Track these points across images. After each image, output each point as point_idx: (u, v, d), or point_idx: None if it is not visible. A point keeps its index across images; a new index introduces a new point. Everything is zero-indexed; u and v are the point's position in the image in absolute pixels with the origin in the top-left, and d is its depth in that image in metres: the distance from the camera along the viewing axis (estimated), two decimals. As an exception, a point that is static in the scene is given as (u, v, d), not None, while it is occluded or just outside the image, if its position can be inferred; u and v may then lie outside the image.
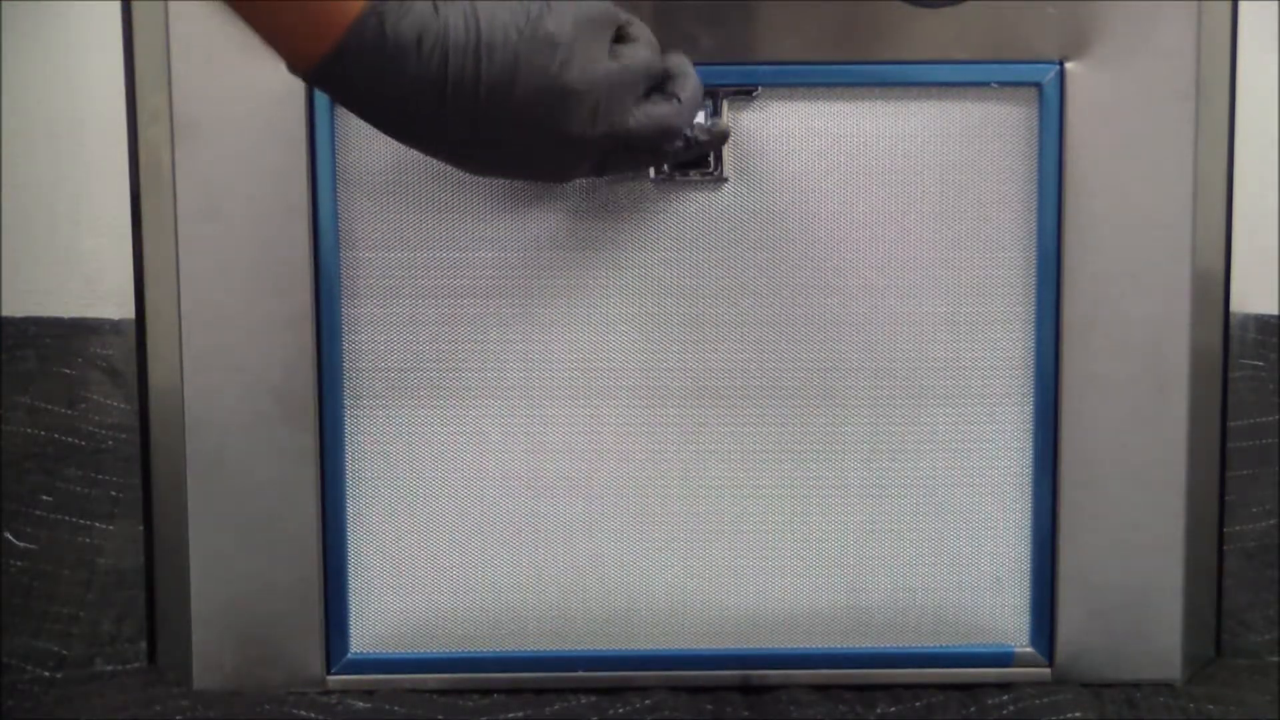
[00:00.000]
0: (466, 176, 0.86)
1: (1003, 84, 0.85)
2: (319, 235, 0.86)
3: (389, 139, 0.76)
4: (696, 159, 0.85)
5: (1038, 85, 0.85)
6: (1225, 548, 0.92)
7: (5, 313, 1.29)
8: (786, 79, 0.85)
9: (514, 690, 0.90)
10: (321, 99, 0.85)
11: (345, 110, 0.77)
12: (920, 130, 0.86)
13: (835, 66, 0.85)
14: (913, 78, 0.85)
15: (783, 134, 0.86)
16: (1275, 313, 1.25)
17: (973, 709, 0.89)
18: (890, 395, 0.88)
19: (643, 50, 0.78)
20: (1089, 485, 0.89)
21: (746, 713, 0.88)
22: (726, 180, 0.86)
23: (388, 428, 0.88)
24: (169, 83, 0.86)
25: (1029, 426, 0.88)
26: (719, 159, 0.86)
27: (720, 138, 0.84)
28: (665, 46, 0.86)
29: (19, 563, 1.02)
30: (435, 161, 0.85)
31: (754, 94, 0.85)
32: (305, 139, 0.86)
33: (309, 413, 0.88)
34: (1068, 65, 0.86)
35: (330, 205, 0.86)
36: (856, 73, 0.85)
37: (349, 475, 0.89)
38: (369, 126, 0.75)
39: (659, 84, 0.79)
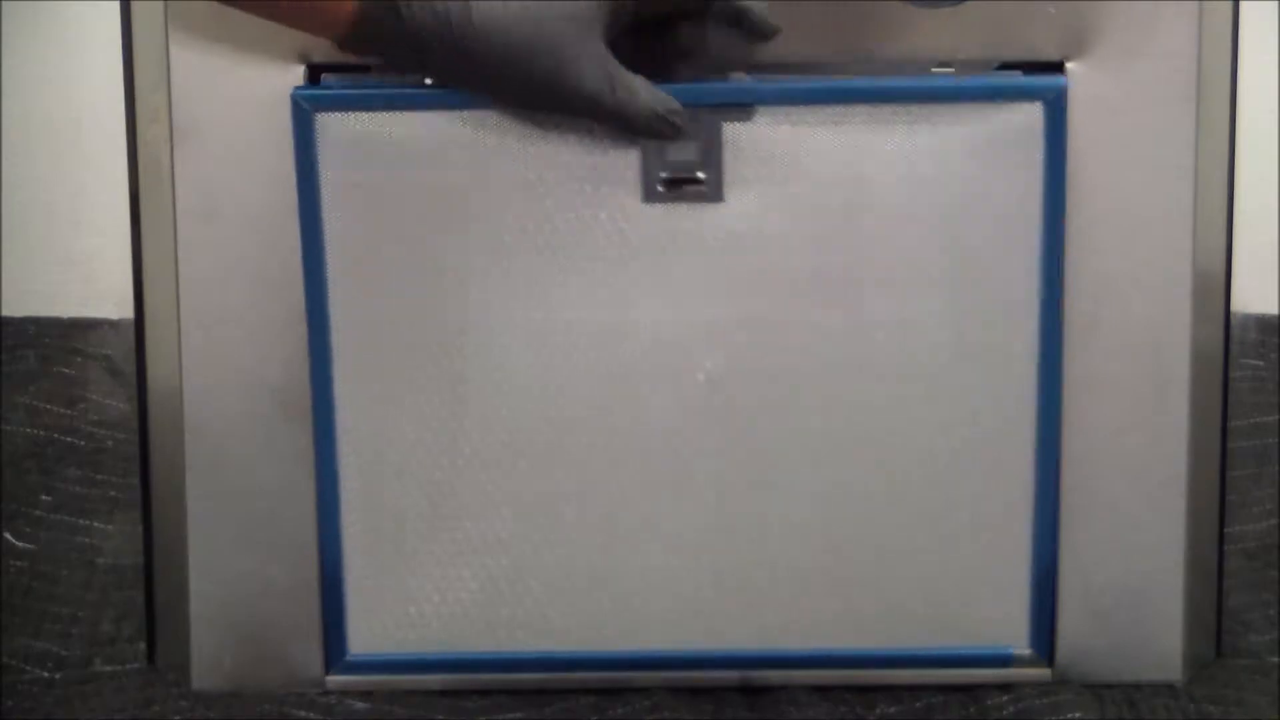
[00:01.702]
0: (461, 177, 0.86)
1: (1009, 99, 0.85)
2: (317, 234, 0.86)
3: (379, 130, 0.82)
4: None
5: (1044, 100, 0.85)
6: (1225, 548, 0.92)
7: (5, 313, 1.30)
8: (787, 97, 0.84)
9: (514, 691, 0.90)
10: (313, 99, 0.85)
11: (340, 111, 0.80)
12: (926, 142, 0.85)
13: (838, 84, 0.85)
14: (918, 94, 0.85)
15: (783, 150, 0.85)
16: (1276, 312, 1.26)
17: (973, 709, 0.89)
18: (890, 397, 0.88)
19: None
20: (1089, 485, 0.89)
21: (747, 713, 0.88)
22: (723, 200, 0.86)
23: (386, 427, 0.88)
24: (169, 83, 0.86)
25: (1030, 426, 0.88)
26: (717, 176, 0.86)
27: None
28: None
29: (19, 563, 1.02)
30: (431, 162, 0.85)
31: (754, 112, 0.85)
32: (300, 138, 0.85)
33: (308, 413, 0.88)
34: (1068, 65, 0.85)
35: (328, 205, 0.86)
36: (860, 90, 0.84)
37: (346, 475, 0.88)
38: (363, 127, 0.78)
39: None
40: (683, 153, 0.84)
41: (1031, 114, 0.85)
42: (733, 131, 0.85)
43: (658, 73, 0.83)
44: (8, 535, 1.04)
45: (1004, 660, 0.90)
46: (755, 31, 0.84)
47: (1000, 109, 0.85)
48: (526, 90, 0.80)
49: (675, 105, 0.82)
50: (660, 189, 0.85)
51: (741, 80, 0.85)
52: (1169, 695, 0.90)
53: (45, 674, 0.92)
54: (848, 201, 0.86)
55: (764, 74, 0.86)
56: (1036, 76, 0.85)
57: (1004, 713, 0.88)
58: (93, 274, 1.31)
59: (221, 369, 0.88)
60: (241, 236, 0.87)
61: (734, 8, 0.83)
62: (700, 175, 0.85)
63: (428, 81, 0.84)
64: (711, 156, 0.85)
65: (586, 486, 0.88)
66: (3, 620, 0.96)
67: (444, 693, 0.90)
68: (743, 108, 0.84)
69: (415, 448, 0.88)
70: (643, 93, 0.81)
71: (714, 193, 0.85)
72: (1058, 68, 0.85)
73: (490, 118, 0.84)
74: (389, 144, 0.85)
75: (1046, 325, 0.87)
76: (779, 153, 0.85)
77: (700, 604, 0.90)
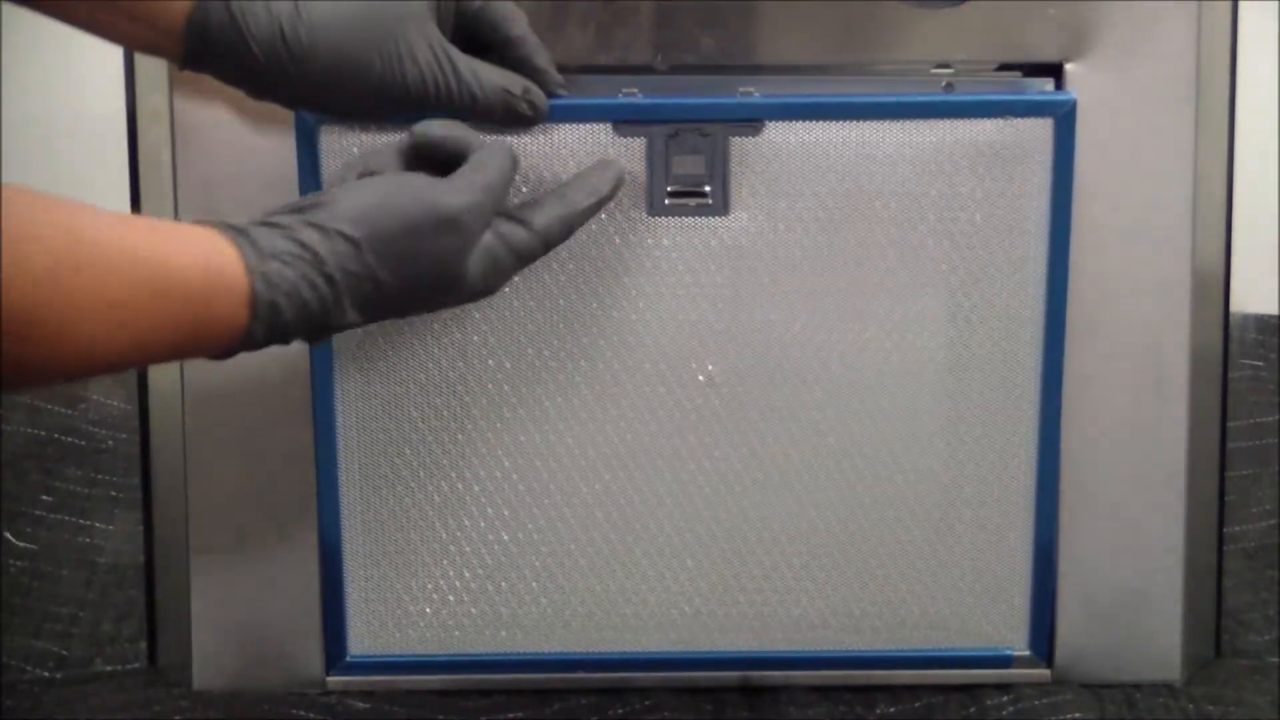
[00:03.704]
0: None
1: (1019, 115, 0.84)
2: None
3: (377, 135, 0.82)
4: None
5: (1054, 116, 0.84)
6: (1225, 548, 0.92)
7: (5, 312, 1.29)
8: (793, 113, 0.84)
9: (514, 691, 0.90)
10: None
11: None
12: (933, 156, 0.85)
13: (845, 100, 0.84)
14: (926, 110, 0.84)
15: (788, 164, 0.85)
16: (1275, 313, 1.25)
17: (972, 709, 0.89)
18: (891, 400, 0.87)
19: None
20: (1089, 485, 0.89)
21: (746, 713, 0.88)
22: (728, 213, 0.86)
23: (386, 428, 0.88)
24: (169, 83, 0.86)
25: (1030, 426, 0.88)
26: (723, 190, 0.85)
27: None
28: (668, 46, 0.86)
29: (19, 563, 1.02)
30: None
31: (761, 127, 0.84)
32: (303, 153, 0.85)
33: (308, 413, 0.88)
34: (1068, 66, 0.85)
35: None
36: (867, 105, 0.84)
37: (346, 475, 0.88)
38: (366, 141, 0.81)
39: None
40: (689, 166, 0.84)
41: (1041, 129, 0.85)
42: (739, 146, 0.84)
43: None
44: (8, 535, 1.04)
45: (1003, 660, 0.90)
46: (541, 81, 0.81)
47: (1009, 124, 0.85)
48: (366, 88, 0.77)
49: (526, 81, 0.80)
50: (666, 202, 0.85)
51: (749, 95, 0.85)
52: (1168, 695, 0.90)
53: (46, 674, 0.92)
54: (853, 214, 0.85)
55: (765, 75, 0.86)
56: (1047, 93, 0.85)
57: (1003, 713, 0.88)
58: (93, 274, 1.31)
59: (222, 369, 0.88)
60: (242, 237, 0.87)
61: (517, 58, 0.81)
62: (706, 188, 0.85)
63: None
64: (717, 170, 0.84)
65: (586, 487, 0.88)
66: (3, 620, 0.96)
67: (444, 693, 0.90)
68: (750, 123, 0.84)
69: (415, 448, 0.88)
70: (490, 75, 0.79)
71: (720, 206, 0.85)
72: (1057, 69, 0.85)
73: (495, 130, 0.84)
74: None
75: (1050, 331, 0.87)
76: (784, 167, 0.85)
77: (700, 604, 0.90)
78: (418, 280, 0.72)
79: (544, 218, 0.77)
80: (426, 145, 0.76)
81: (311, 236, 0.69)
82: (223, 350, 0.70)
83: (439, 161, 0.76)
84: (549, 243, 0.77)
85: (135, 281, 0.64)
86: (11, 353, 0.60)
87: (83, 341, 0.63)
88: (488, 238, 0.74)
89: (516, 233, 0.76)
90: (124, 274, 0.64)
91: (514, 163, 0.76)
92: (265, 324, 0.69)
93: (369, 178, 0.74)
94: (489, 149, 0.75)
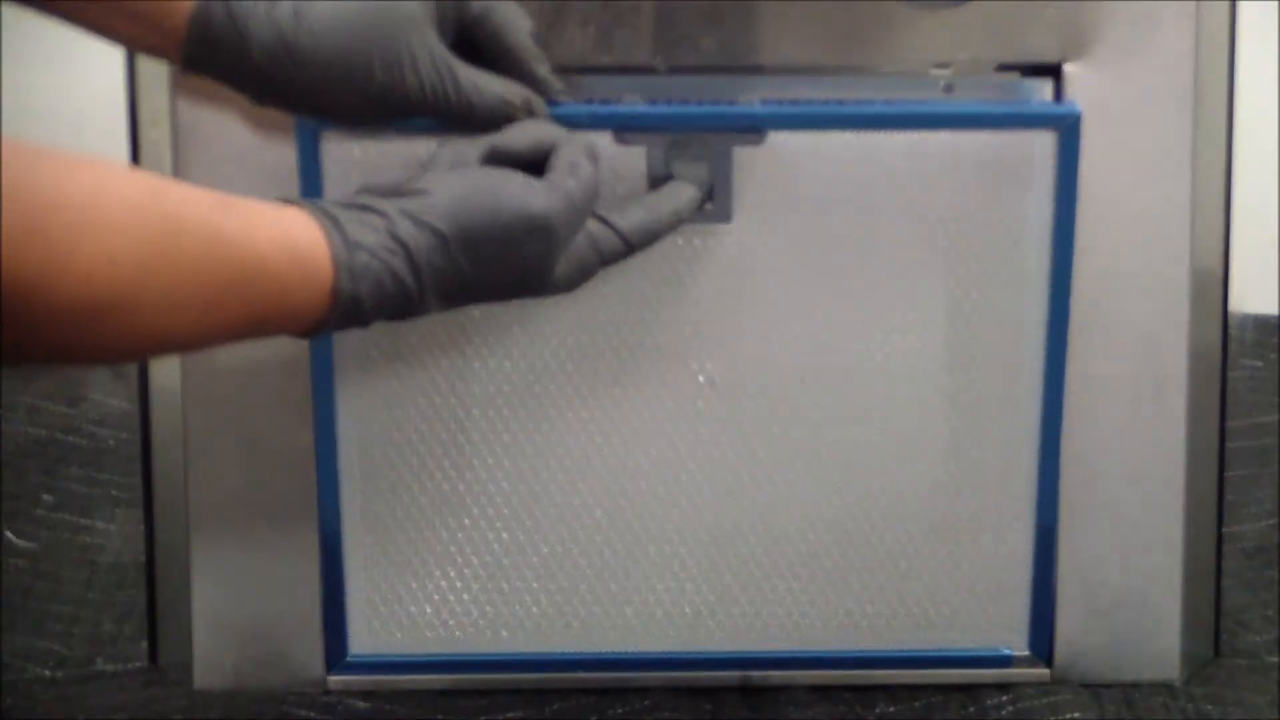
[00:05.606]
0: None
1: (1023, 127, 0.84)
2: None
3: (375, 134, 0.82)
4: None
5: (1058, 129, 0.84)
6: (1224, 548, 0.92)
7: (6, 312, 1.29)
8: (797, 122, 0.83)
9: (514, 691, 0.90)
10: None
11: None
12: (936, 166, 0.84)
13: (848, 110, 0.84)
14: (930, 121, 0.84)
15: (792, 172, 0.84)
16: (1274, 313, 1.26)
17: (971, 709, 0.89)
18: (891, 398, 0.88)
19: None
20: (1089, 485, 0.89)
21: (746, 713, 0.89)
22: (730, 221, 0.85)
23: (386, 428, 0.88)
24: (170, 84, 0.86)
25: (1030, 427, 0.88)
26: (726, 198, 0.85)
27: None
28: (668, 46, 0.86)
29: (20, 562, 1.02)
30: (415, 162, 0.84)
31: (764, 136, 0.84)
32: (304, 161, 0.85)
33: (309, 412, 0.88)
34: (1066, 66, 0.85)
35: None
36: (871, 115, 0.84)
37: (346, 475, 0.88)
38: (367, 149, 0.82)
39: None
40: (691, 174, 0.83)
41: (1045, 140, 0.84)
42: (742, 154, 0.84)
43: None
44: (9, 535, 1.04)
45: (1003, 660, 0.91)
46: (541, 89, 0.81)
47: (1013, 135, 0.84)
48: (365, 94, 0.76)
49: (526, 92, 0.79)
50: None
51: (751, 105, 0.84)
52: (1167, 695, 0.90)
53: (47, 673, 0.92)
54: (855, 218, 0.85)
55: (765, 76, 0.86)
56: (1052, 105, 0.85)
57: (1003, 713, 0.89)
58: (94, 273, 1.31)
59: (221, 368, 0.88)
60: (242, 237, 0.87)
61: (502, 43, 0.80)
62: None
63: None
64: (720, 178, 0.84)
65: (587, 487, 0.89)
66: (4, 619, 0.96)
67: (444, 693, 0.90)
68: (753, 132, 0.84)
69: (415, 448, 0.88)
70: (490, 85, 0.78)
71: (722, 213, 0.85)
72: (1056, 69, 0.85)
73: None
74: (394, 167, 0.84)
75: (1053, 336, 0.86)
76: (787, 173, 0.84)
77: (700, 604, 0.90)
78: (503, 278, 0.74)
79: (631, 223, 0.78)
80: (510, 155, 0.77)
81: (406, 229, 0.70)
82: (297, 333, 0.70)
83: (525, 160, 0.77)
84: (633, 248, 0.78)
85: (223, 270, 0.65)
86: (90, 335, 0.61)
87: (162, 328, 0.63)
88: (579, 239, 0.76)
89: (606, 236, 0.77)
90: (215, 263, 0.64)
91: (598, 163, 0.77)
92: (344, 313, 0.70)
93: (461, 169, 0.75)
94: (577, 150, 0.76)
